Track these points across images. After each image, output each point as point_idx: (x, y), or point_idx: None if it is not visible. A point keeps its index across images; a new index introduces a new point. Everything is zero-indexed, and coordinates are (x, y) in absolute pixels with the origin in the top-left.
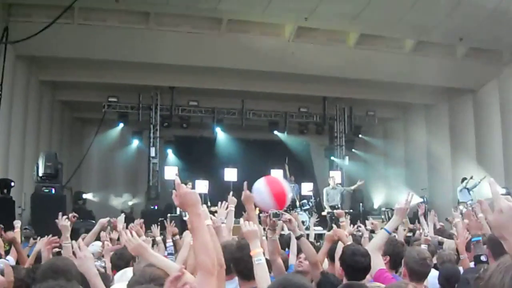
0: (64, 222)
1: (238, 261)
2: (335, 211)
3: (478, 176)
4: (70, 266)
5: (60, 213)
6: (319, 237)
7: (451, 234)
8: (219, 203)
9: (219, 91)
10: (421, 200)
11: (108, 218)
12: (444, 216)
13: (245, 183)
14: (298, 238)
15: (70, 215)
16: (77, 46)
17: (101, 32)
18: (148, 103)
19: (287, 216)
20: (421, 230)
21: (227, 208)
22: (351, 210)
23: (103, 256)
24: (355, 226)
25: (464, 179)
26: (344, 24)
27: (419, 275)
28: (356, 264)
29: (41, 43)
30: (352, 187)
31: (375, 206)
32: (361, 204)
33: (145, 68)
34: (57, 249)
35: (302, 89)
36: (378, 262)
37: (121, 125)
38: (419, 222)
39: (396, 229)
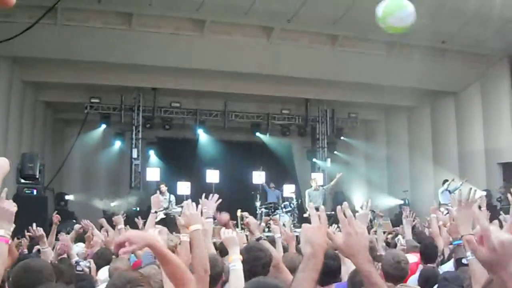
0: (38, 232)
1: (243, 263)
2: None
3: (458, 178)
4: (43, 267)
5: (34, 224)
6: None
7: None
8: (203, 196)
9: (202, 93)
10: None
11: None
12: (426, 217)
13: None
14: (257, 240)
15: (53, 215)
16: (60, 47)
17: (84, 33)
18: (130, 104)
19: (246, 219)
20: (403, 235)
21: (217, 200)
22: (332, 212)
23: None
24: (335, 227)
25: (445, 181)
26: (326, 26)
27: (394, 277)
28: (324, 268)
29: (23, 43)
30: (332, 182)
31: (357, 208)
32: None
33: (128, 69)
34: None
35: (285, 91)
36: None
37: (103, 126)
38: (402, 225)
39: (376, 232)
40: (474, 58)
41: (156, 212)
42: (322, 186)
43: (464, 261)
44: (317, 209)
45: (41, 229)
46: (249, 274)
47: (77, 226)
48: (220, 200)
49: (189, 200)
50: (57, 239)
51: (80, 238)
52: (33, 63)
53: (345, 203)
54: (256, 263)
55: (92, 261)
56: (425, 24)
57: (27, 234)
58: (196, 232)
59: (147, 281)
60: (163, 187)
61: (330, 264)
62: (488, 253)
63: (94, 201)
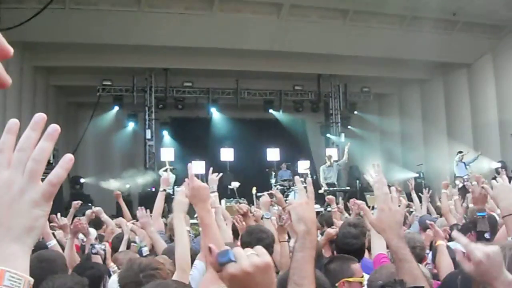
0: (62, 221)
1: (246, 246)
2: (326, 197)
3: (473, 150)
4: (57, 257)
5: (59, 214)
6: (316, 214)
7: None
8: (210, 170)
9: (213, 72)
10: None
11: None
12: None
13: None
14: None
15: (74, 202)
16: (69, 31)
17: (93, 16)
18: (142, 86)
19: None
20: (412, 208)
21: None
22: (347, 188)
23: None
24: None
25: (459, 152)
26: (336, 1)
27: None
28: (347, 247)
29: (33, 29)
30: (344, 157)
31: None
32: (357, 181)
33: (139, 51)
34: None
35: (296, 67)
36: (379, 246)
37: (116, 108)
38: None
39: None
40: (485, 29)
41: (164, 190)
42: (336, 161)
43: (486, 235)
44: (332, 185)
45: (65, 219)
46: None
47: (88, 212)
48: (221, 174)
49: (192, 172)
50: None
51: (93, 223)
52: (44, 48)
53: (384, 180)
54: (260, 244)
55: (107, 244)
56: None
57: (49, 225)
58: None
59: (161, 267)
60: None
61: (352, 243)
62: (476, 267)
63: (109, 183)
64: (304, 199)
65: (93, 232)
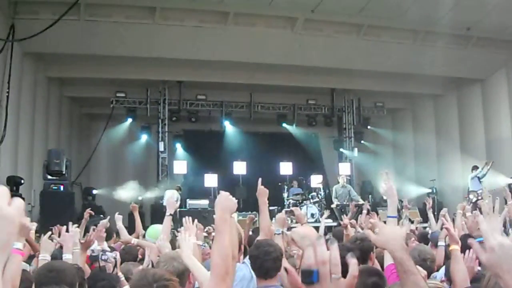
0: (73, 229)
1: (254, 259)
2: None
3: (484, 163)
4: (66, 268)
5: (70, 223)
6: (329, 229)
7: None
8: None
9: (227, 85)
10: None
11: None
12: (454, 206)
13: (260, 179)
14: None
15: (86, 212)
16: (83, 42)
17: (108, 28)
18: (156, 98)
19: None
20: (428, 227)
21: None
22: (360, 202)
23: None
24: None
25: (474, 167)
26: (351, 16)
27: None
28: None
29: (47, 40)
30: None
31: (385, 198)
32: (370, 195)
33: (153, 63)
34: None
35: (310, 81)
36: (390, 257)
37: (130, 120)
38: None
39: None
40: (499, 45)
41: (171, 215)
42: (349, 179)
43: None
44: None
45: (77, 229)
46: (260, 269)
47: (104, 221)
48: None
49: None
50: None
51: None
52: (58, 59)
53: (394, 189)
54: (267, 257)
55: (118, 253)
56: (450, 12)
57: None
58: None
59: (174, 279)
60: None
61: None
62: (488, 254)
63: (121, 195)
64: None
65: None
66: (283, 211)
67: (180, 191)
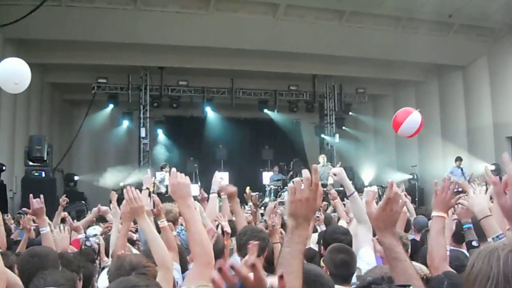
0: (38, 204)
1: (242, 246)
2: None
3: (467, 154)
4: (48, 253)
5: (31, 195)
6: None
7: None
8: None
9: (209, 71)
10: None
11: (99, 207)
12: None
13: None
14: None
15: (61, 199)
16: (65, 28)
17: (90, 14)
18: (137, 84)
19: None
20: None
21: (222, 179)
22: (341, 188)
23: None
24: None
25: (459, 158)
26: (332, 2)
27: None
28: (336, 242)
29: (29, 25)
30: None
31: (366, 183)
32: (351, 182)
33: (134, 49)
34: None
35: (292, 67)
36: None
37: (111, 106)
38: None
39: None
40: (481, 32)
41: (147, 188)
42: (329, 162)
43: (474, 243)
44: (324, 185)
45: (39, 200)
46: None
47: (95, 209)
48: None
49: (174, 168)
50: (63, 221)
51: (100, 220)
52: (39, 45)
53: (392, 182)
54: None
55: (101, 238)
56: None
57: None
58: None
59: (151, 265)
60: (167, 168)
61: (341, 239)
62: (510, 201)
63: (103, 181)
64: (303, 195)
65: (98, 229)
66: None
67: (168, 169)
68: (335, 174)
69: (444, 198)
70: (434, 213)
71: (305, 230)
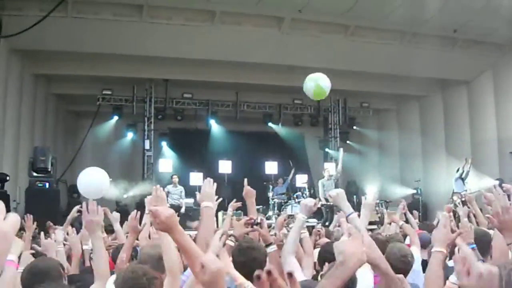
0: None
1: (242, 265)
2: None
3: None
4: (50, 268)
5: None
6: (312, 228)
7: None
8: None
9: (213, 83)
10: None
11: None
12: (438, 206)
13: (246, 179)
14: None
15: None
16: (71, 39)
17: (95, 25)
18: (142, 96)
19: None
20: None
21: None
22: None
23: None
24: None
25: (459, 169)
26: (338, 16)
27: (399, 271)
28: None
29: (34, 36)
30: (339, 166)
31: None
32: (355, 196)
33: (139, 61)
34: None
35: (296, 80)
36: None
37: (116, 117)
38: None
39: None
40: (485, 47)
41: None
42: (331, 176)
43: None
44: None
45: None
46: (248, 275)
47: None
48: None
49: (209, 179)
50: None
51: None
52: (44, 56)
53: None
54: (254, 264)
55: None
56: (437, 14)
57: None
58: (207, 208)
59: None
60: (175, 178)
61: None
62: (474, 279)
63: (107, 193)
64: (353, 238)
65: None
66: (284, 215)
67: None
68: (331, 197)
69: (445, 234)
70: (435, 249)
71: (349, 269)
